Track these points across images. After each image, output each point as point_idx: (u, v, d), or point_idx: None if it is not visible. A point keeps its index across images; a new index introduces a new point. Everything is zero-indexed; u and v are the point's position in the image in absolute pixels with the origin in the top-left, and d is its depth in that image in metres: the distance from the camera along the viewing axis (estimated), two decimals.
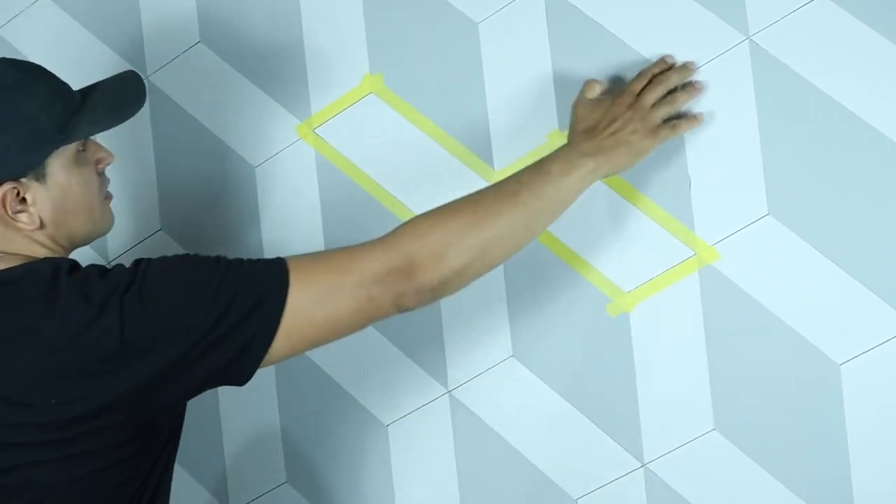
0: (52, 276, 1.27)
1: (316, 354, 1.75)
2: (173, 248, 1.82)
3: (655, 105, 1.46)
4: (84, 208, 1.37)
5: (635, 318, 1.57)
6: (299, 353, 1.30)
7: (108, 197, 1.44)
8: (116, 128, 1.43)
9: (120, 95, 1.41)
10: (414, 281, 1.26)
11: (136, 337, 1.22)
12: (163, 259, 1.30)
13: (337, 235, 1.73)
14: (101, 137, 1.59)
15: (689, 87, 1.49)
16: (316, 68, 1.73)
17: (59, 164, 1.33)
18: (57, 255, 1.35)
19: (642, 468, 1.58)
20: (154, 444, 1.34)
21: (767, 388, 1.51)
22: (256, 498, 1.80)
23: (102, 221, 1.42)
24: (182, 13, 1.81)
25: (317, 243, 1.74)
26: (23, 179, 1.30)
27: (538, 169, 1.34)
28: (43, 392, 1.23)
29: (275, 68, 1.76)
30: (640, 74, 1.49)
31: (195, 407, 1.46)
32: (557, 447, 1.63)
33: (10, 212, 1.30)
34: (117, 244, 1.84)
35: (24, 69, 1.33)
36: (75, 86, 1.41)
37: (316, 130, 1.74)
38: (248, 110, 1.77)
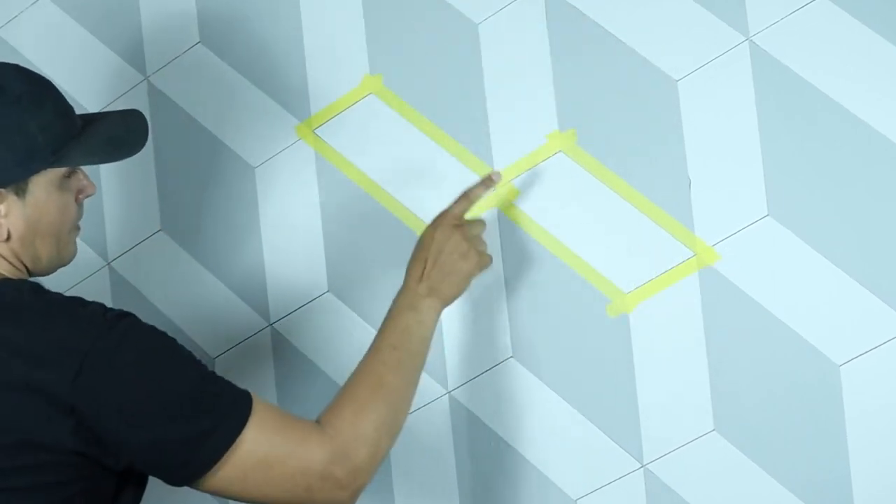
0: (13, 296, 1.26)
1: (316, 355, 1.75)
2: (173, 249, 1.82)
3: (474, 236, 1.52)
4: (54, 233, 1.34)
5: (635, 319, 1.57)
6: (219, 496, 1.31)
7: (77, 230, 1.40)
8: None
9: (121, 133, 1.40)
10: (352, 488, 1.30)
11: (85, 395, 1.20)
12: (148, 331, 1.27)
13: (336, 236, 1.73)
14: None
15: (487, 180, 1.57)
16: (316, 69, 1.73)
17: (42, 184, 1.31)
18: (18, 274, 1.33)
19: (642, 469, 1.58)
20: (104, 491, 1.29)
21: (767, 388, 1.51)
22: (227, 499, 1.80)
23: (66, 251, 1.39)
24: (182, 14, 1.81)
25: (316, 243, 1.74)
26: (2, 190, 1.28)
27: (398, 327, 1.42)
28: None
29: (274, 69, 1.76)
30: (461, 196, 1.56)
31: None
32: (557, 447, 1.63)
33: None
34: (117, 245, 1.84)
35: (34, 82, 1.32)
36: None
37: (315, 131, 1.74)
38: (248, 111, 1.77)
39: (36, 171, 1.30)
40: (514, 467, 1.65)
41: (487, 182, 1.57)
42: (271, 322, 1.78)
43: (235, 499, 1.29)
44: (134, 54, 1.84)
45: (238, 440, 1.24)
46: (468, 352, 1.66)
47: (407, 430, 1.68)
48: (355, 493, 1.31)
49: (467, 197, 1.55)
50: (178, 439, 1.23)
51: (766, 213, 1.50)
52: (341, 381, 1.72)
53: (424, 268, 1.48)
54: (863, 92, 1.46)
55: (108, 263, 1.86)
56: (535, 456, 1.64)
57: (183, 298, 1.81)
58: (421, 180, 1.68)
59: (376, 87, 1.70)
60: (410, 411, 1.67)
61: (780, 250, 1.50)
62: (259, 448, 1.25)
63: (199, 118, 1.80)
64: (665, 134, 1.55)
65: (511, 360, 1.64)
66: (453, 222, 1.51)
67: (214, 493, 1.28)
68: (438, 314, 1.47)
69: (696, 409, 1.54)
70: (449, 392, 1.68)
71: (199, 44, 1.81)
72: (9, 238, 1.31)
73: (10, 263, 1.33)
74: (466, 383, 1.67)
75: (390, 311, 1.46)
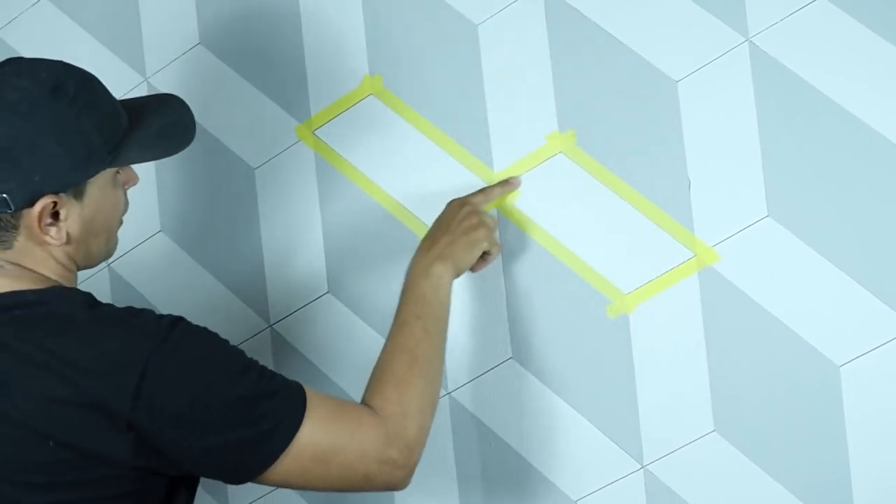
0: (68, 308, 1.26)
1: (316, 355, 1.75)
2: (173, 250, 1.82)
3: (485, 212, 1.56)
4: (106, 229, 1.35)
5: (635, 320, 1.57)
6: (282, 487, 1.34)
7: (121, 223, 1.41)
8: None
9: (171, 124, 1.40)
10: (408, 465, 1.31)
11: (146, 408, 1.20)
12: (202, 336, 1.27)
13: (336, 236, 1.73)
14: None
15: (505, 182, 1.61)
16: (315, 70, 1.73)
17: (98, 184, 1.30)
18: (69, 276, 1.33)
19: (642, 469, 1.58)
20: (153, 495, 1.30)
21: (767, 389, 1.51)
22: (257, 499, 1.80)
23: (113, 244, 1.39)
24: (181, 15, 1.81)
25: (316, 244, 1.74)
26: (62, 194, 1.27)
27: (416, 297, 1.44)
28: (46, 425, 1.21)
29: (274, 70, 1.76)
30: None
31: None
32: (557, 448, 1.63)
33: (41, 224, 1.27)
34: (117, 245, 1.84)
35: (84, 80, 1.30)
36: None
37: (315, 132, 1.74)
38: (248, 112, 1.77)
39: (95, 173, 1.29)
40: (514, 467, 1.65)
41: (507, 184, 1.60)
42: (271, 323, 1.78)
43: (296, 489, 1.33)
44: (134, 55, 1.84)
45: (296, 437, 1.25)
46: (468, 352, 1.66)
47: None
48: (411, 471, 1.32)
49: (485, 192, 1.58)
50: (237, 443, 1.23)
51: (765, 214, 1.50)
52: (341, 382, 1.74)
53: (433, 236, 1.51)
54: (863, 92, 1.46)
55: (109, 264, 1.86)
56: (535, 456, 1.64)
57: (183, 299, 1.81)
58: (421, 181, 1.68)
59: (376, 88, 1.70)
60: None
61: (779, 251, 1.50)
62: (317, 441, 1.26)
63: (199, 119, 1.79)
64: (665, 134, 1.55)
65: (511, 360, 1.64)
66: (463, 201, 1.55)
67: (275, 486, 1.30)
68: (451, 279, 1.47)
69: (696, 409, 1.54)
70: (449, 392, 1.68)
71: (199, 44, 1.81)
72: (68, 241, 1.30)
73: (64, 266, 1.32)
74: (466, 384, 1.67)
75: (405, 283, 1.47)
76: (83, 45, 1.86)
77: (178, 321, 1.27)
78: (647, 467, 1.58)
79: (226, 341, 1.29)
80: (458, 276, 1.50)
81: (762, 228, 1.50)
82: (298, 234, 1.75)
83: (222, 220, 1.80)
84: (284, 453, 1.24)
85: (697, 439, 1.55)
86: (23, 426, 1.22)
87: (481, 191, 1.59)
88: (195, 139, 1.78)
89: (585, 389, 1.60)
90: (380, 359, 1.39)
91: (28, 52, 1.89)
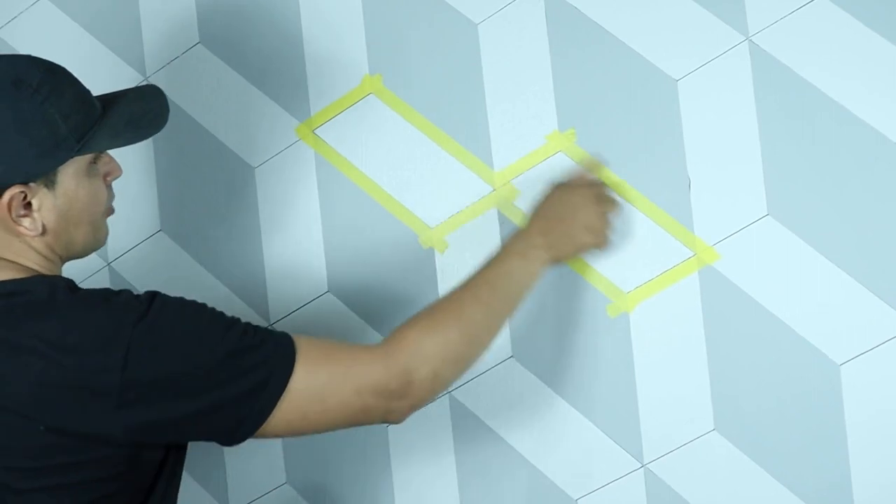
0: (48, 294, 1.26)
1: None
2: (173, 249, 1.82)
3: (610, 211, 1.52)
4: (87, 220, 1.35)
5: (635, 319, 1.57)
6: (285, 436, 1.35)
7: (110, 211, 1.41)
8: None
9: (143, 112, 1.39)
10: (408, 399, 1.31)
11: (135, 380, 1.21)
12: (180, 304, 1.28)
13: (336, 236, 1.73)
14: None
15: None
16: (315, 69, 1.73)
17: (70, 173, 1.30)
18: (50, 266, 1.33)
19: (642, 468, 1.58)
20: (142, 480, 1.31)
21: (767, 388, 1.51)
22: (257, 498, 1.80)
23: (101, 234, 1.39)
24: (181, 14, 1.81)
25: (316, 244, 1.74)
26: (31, 184, 1.27)
27: (501, 267, 1.41)
28: (37, 410, 1.22)
29: (274, 69, 1.76)
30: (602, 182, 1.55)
31: None
32: (557, 447, 1.63)
33: (13, 215, 1.28)
34: (117, 245, 1.84)
35: (50, 70, 1.30)
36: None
37: (315, 131, 1.74)
38: (248, 111, 1.77)
39: (63, 161, 1.29)
40: (514, 467, 1.65)
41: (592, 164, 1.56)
42: (271, 322, 1.78)
43: (299, 435, 1.31)
44: (134, 55, 1.84)
45: (289, 383, 1.25)
46: None
47: (407, 430, 1.69)
48: (410, 406, 1.32)
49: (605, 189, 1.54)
50: (232, 398, 1.24)
51: (765, 213, 1.50)
52: None
53: (548, 223, 1.47)
54: (863, 92, 1.46)
55: (108, 264, 1.86)
56: (535, 456, 1.64)
57: None
58: (421, 180, 1.68)
59: (376, 88, 1.70)
60: None
61: (779, 250, 1.50)
62: (311, 384, 1.27)
63: (199, 118, 1.80)
64: (665, 134, 1.55)
65: (511, 360, 1.64)
66: (596, 193, 1.50)
67: (278, 437, 1.30)
68: (544, 270, 1.45)
69: (697, 408, 1.54)
70: (449, 392, 1.68)
71: (199, 44, 1.81)
72: (44, 232, 1.31)
73: (44, 257, 1.33)
74: (466, 383, 1.67)
75: (500, 250, 1.44)
76: (83, 45, 1.86)
77: (155, 294, 1.28)
78: (648, 466, 1.58)
79: (204, 304, 1.30)
80: (551, 266, 1.47)
81: (762, 227, 1.50)
82: (298, 234, 1.75)
83: (222, 220, 1.80)
84: (281, 399, 1.25)
85: (697, 438, 1.55)
86: (13, 412, 1.23)
87: (617, 199, 1.54)
88: (195, 139, 1.80)
89: (585, 389, 1.60)
90: (434, 301, 1.38)
91: (28, 52, 1.89)
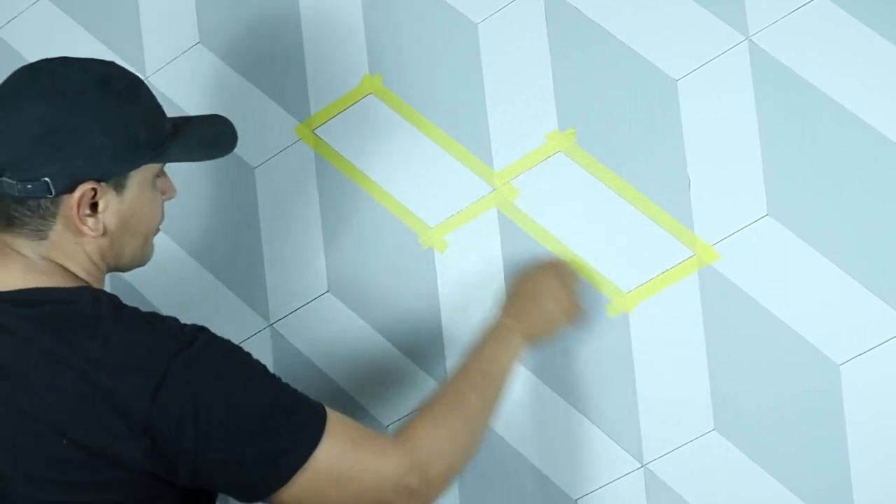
0: (94, 308, 1.26)
1: (316, 355, 1.75)
2: (172, 249, 1.82)
3: (574, 289, 1.55)
4: (143, 231, 1.35)
5: (635, 319, 1.57)
6: None
7: (157, 232, 1.41)
8: None
9: (214, 134, 1.42)
10: (426, 499, 1.30)
11: (164, 411, 1.19)
12: (225, 346, 1.26)
13: (336, 236, 1.73)
14: None
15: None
16: (315, 69, 1.73)
17: (138, 181, 1.31)
18: (97, 274, 1.33)
19: (642, 468, 1.58)
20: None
21: (767, 388, 1.51)
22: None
23: (148, 251, 1.40)
24: (181, 14, 1.81)
25: (316, 243, 1.74)
26: (103, 184, 1.27)
27: (486, 355, 1.43)
28: (65, 423, 1.21)
29: (274, 69, 1.76)
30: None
31: None
32: (557, 447, 1.63)
33: (80, 213, 1.27)
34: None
35: (133, 78, 1.33)
36: None
37: (315, 131, 1.74)
38: (248, 111, 1.77)
39: (137, 165, 1.30)
40: (514, 467, 1.65)
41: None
42: (271, 322, 1.78)
43: None
44: (134, 55, 1.84)
45: (313, 457, 1.23)
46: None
47: None
48: None
49: (577, 283, 1.57)
50: (253, 457, 1.22)
51: (765, 213, 1.50)
52: (341, 382, 1.74)
53: (524, 306, 1.51)
54: (863, 92, 1.46)
55: None
56: (535, 456, 1.64)
57: (183, 299, 1.81)
58: (421, 180, 1.68)
59: (376, 88, 1.70)
60: (411, 410, 1.69)
61: (779, 250, 1.50)
62: (334, 464, 1.24)
63: None
64: (665, 134, 1.55)
65: None
66: (560, 273, 1.54)
67: None
68: (524, 352, 1.48)
69: (696, 408, 1.54)
70: None
71: (199, 44, 1.81)
72: (104, 233, 1.31)
73: (94, 263, 1.32)
74: None
75: (483, 337, 1.46)
76: (83, 45, 1.86)
77: (202, 329, 1.26)
78: (647, 466, 1.58)
79: (249, 354, 1.28)
80: (529, 348, 1.51)
81: (762, 227, 1.50)
82: (298, 234, 1.75)
83: (222, 219, 1.80)
84: (301, 470, 1.22)
85: (697, 438, 1.55)
86: (40, 420, 1.22)
87: (573, 276, 1.57)
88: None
89: (585, 388, 1.60)
90: (431, 395, 1.38)
91: (28, 52, 1.90)
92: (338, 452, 1.24)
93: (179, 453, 1.20)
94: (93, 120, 1.26)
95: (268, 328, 1.78)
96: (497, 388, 1.41)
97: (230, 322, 1.79)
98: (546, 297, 1.52)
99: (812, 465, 1.50)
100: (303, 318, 1.76)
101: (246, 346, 1.73)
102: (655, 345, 1.56)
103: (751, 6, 1.51)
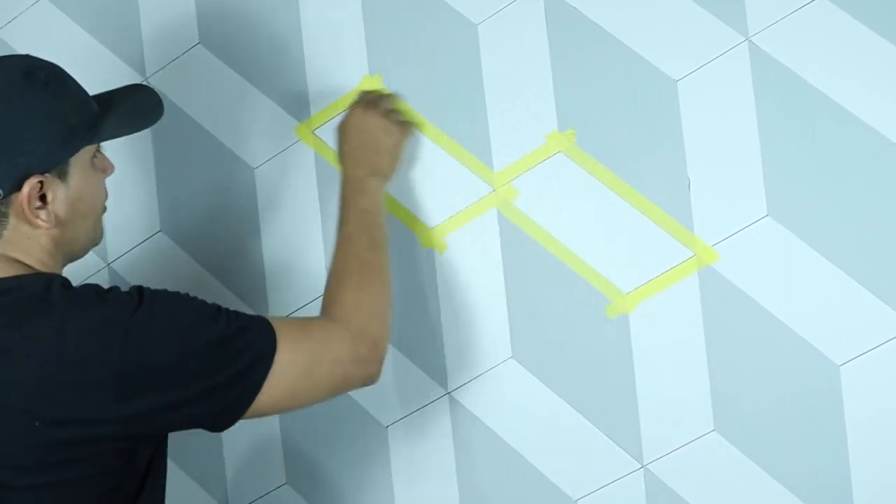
0: (43, 290, 1.28)
1: None
2: (173, 250, 1.82)
3: (387, 110, 1.62)
4: (92, 213, 1.38)
5: (635, 319, 1.57)
6: (272, 414, 1.40)
7: (104, 209, 1.44)
8: None
9: (140, 103, 1.45)
10: (377, 359, 1.42)
11: (132, 371, 1.24)
12: (167, 296, 1.32)
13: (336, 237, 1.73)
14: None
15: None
16: (315, 70, 1.73)
17: (79, 165, 1.34)
18: (53, 263, 1.35)
19: (642, 469, 1.58)
20: (136, 475, 1.33)
21: (767, 389, 1.51)
22: (257, 499, 1.80)
23: (99, 231, 1.43)
24: (181, 15, 1.81)
25: (316, 244, 1.74)
26: (47, 175, 1.30)
27: (356, 212, 1.52)
28: (35, 405, 1.23)
29: (274, 70, 1.76)
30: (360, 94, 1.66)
31: None
32: (557, 447, 1.63)
33: (30, 207, 1.30)
34: (117, 246, 1.84)
35: (53, 68, 1.35)
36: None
37: (315, 132, 1.74)
38: (248, 112, 1.77)
39: (77, 149, 1.33)
40: (514, 467, 1.65)
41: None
42: None
43: (287, 410, 1.39)
44: (133, 55, 1.84)
45: (275, 359, 1.31)
46: (468, 352, 1.66)
47: (407, 431, 1.69)
48: (380, 365, 1.42)
49: (381, 99, 1.63)
50: (221, 384, 1.29)
51: (765, 214, 1.50)
52: None
53: (355, 154, 1.57)
54: (863, 92, 1.46)
55: (108, 264, 1.86)
56: (535, 456, 1.64)
57: None
58: (420, 180, 1.68)
59: (376, 88, 1.70)
60: (411, 411, 1.69)
61: (779, 250, 1.50)
62: (294, 362, 1.33)
63: (198, 119, 1.80)
64: (665, 134, 1.55)
65: (511, 360, 1.64)
66: (362, 107, 1.60)
67: (269, 412, 1.35)
68: (383, 188, 1.57)
69: (696, 409, 1.54)
70: (449, 392, 1.68)
71: (199, 44, 1.81)
72: (57, 223, 1.33)
73: (49, 253, 1.35)
74: (466, 383, 1.67)
75: (342, 202, 1.54)
76: (83, 45, 1.86)
77: (141, 288, 1.32)
78: (647, 467, 1.58)
79: (188, 294, 1.34)
80: (387, 183, 1.59)
81: (762, 228, 1.50)
82: (298, 234, 1.75)
83: (222, 220, 1.80)
84: (270, 375, 1.31)
85: (697, 439, 1.55)
86: (9, 407, 1.24)
87: (381, 98, 1.63)
88: (195, 139, 1.80)
89: (585, 389, 1.60)
90: (332, 270, 1.47)
91: (28, 52, 1.89)
92: (294, 347, 1.33)
93: (154, 406, 1.26)
94: (26, 115, 1.28)
95: None
96: (381, 235, 1.51)
97: None
98: (373, 135, 1.58)
99: (812, 465, 1.50)
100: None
101: None
102: (655, 345, 1.56)
103: (751, 6, 1.50)
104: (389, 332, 1.44)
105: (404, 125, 1.62)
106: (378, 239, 1.50)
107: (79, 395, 1.23)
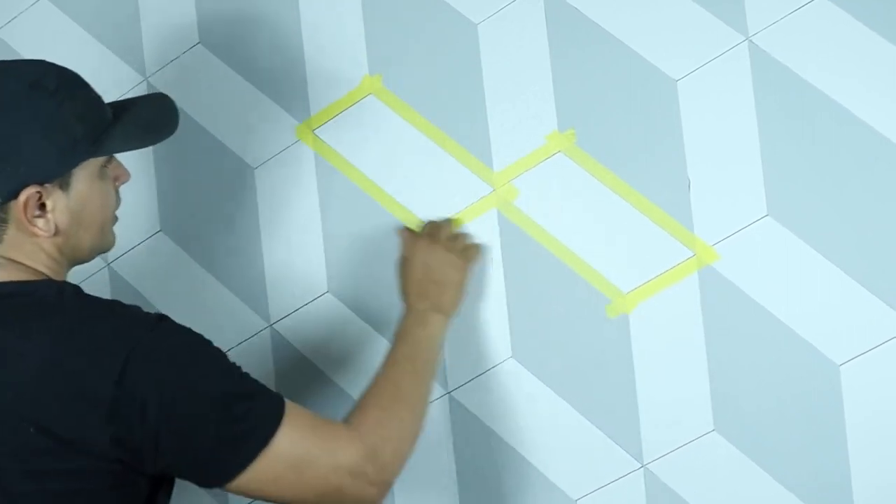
0: (56, 296, 1.27)
1: (316, 355, 1.75)
2: (173, 250, 1.82)
3: (451, 238, 1.60)
4: (97, 222, 1.36)
5: (635, 319, 1.57)
6: (251, 498, 1.32)
7: (116, 217, 1.42)
8: None
9: (154, 117, 1.42)
10: (380, 483, 1.32)
11: (128, 395, 1.20)
12: (186, 333, 1.28)
13: (336, 236, 1.73)
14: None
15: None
16: (315, 69, 1.73)
17: (83, 175, 1.32)
18: (58, 269, 1.34)
19: (642, 469, 1.58)
20: (134, 497, 1.29)
21: (767, 388, 1.51)
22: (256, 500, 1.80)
23: (108, 239, 1.41)
24: (181, 15, 1.81)
25: (316, 244, 1.74)
26: (47, 185, 1.29)
27: (410, 341, 1.48)
28: (31, 409, 1.22)
29: (274, 70, 1.76)
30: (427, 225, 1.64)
31: None
32: (557, 447, 1.63)
33: (28, 216, 1.29)
34: (117, 245, 1.83)
35: (64, 74, 1.33)
36: None
37: (315, 132, 1.74)
38: (248, 112, 1.77)
39: (78, 162, 1.31)
40: (514, 467, 1.65)
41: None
42: (271, 322, 1.78)
43: (268, 499, 1.29)
44: (133, 55, 1.84)
45: (272, 442, 1.24)
46: (468, 352, 1.66)
47: None
48: (383, 491, 1.33)
49: (444, 225, 1.62)
50: (214, 442, 1.23)
51: (765, 213, 1.50)
52: (341, 382, 1.74)
53: (419, 288, 1.54)
54: (863, 92, 1.46)
55: (108, 264, 1.86)
56: (535, 456, 1.64)
57: (183, 299, 1.81)
58: (420, 180, 1.68)
59: (376, 88, 1.70)
60: None
61: (779, 250, 1.50)
62: (292, 449, 1.26)
63: (198, 119, 1.80)
64: (664, 134, 1.55)
65: (511, 360, 1.64)
66: (426, 239, 1.58)
67: (247, 495, 1.28)
68: (446, 326, 1.53)
69: (696, 408, 1.54)
70: (449, 392, 1.68)
71: (199, 44, 1.81)
72: (56, 232, 1.32)
73: (53, 259, 1.34)
74: (466, 383, 1.67)
75: (400, 330, 1.50)
76: (83, 45, 1.86)
77: (164, 317, 1.28)
78: (647, 466, 1.58)
79: (210, 341, 1.29)
80: (450, 320, 1.54)
81: (762, 227, 1.50)
82: (298, 234, 1.75)
83: (222, 220, 1.80)
84: (260, 456, 1.24)
85: (697, 439, 1.55)
86: (7, 410, 1.23)
87: (442, 224, 1.62)
88: (194, 139, 1.80)
89: (585, 389, 1.60)
90: (367, 387, 1.40)
91: (28, 52, 1.90)
92: (296, 438, 1.26)
93: (143, 438, 1.22)
94: (29, 125, 1.27)
95: (268, 328, 1.78)
96: (428, 369, 1.46)
97: (230, 322, 1.79)
98: (439, 268, 1.55)
99: (812, 465, 1.50)
100: (302, 318, 1.76)
101: (246, 346, 1.75)
102: (655, 345, 1.56)
103: (751, 6, 1.51)
104: (402, 466, 1.35)
105: (468, 251, 1.60)
106: (422, 372, 1.45)
107: (73, 407, 1.21)
